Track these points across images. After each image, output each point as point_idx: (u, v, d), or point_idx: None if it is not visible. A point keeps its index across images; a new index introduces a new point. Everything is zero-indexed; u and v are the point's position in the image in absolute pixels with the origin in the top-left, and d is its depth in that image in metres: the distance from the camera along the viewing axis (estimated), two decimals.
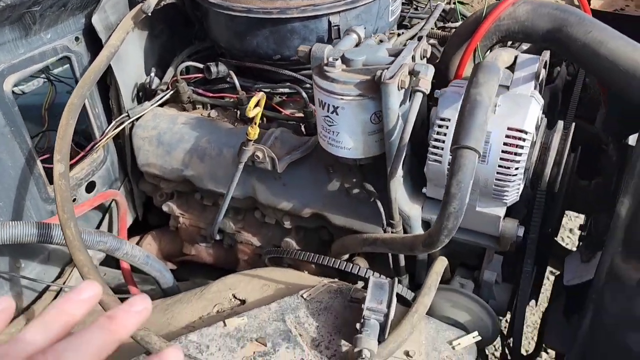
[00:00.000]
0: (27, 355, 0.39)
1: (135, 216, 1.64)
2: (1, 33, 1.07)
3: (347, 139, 1.03)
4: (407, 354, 0.95)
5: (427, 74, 0.95)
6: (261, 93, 1.07)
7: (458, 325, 1.17)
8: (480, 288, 1.21)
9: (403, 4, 1.71)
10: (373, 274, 1.01)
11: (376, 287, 0.94)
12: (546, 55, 1.00)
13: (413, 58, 0.98)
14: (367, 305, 0.92)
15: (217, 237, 1.46)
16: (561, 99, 1.55)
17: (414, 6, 1.60)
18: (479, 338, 0.99)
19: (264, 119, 1.40)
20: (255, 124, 1.11)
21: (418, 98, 0.94)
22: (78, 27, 1.24)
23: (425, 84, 0.93)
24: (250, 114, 1.05)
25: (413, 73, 0.95)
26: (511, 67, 1.02)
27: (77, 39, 1.24)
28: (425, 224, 1.17)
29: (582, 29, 1.03)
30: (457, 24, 1.48)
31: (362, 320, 0.92)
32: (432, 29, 1.37)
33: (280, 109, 1.39)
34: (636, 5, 1.53)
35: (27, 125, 1.66)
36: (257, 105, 1.06)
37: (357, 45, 1.07)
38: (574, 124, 1.17)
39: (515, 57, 1.00)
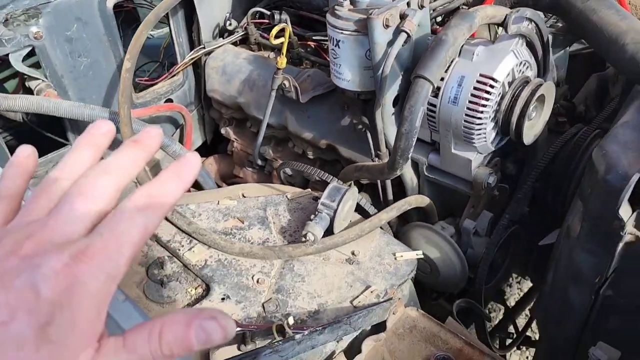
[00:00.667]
0: (64, 189, 0.41)
1: (205, 140, 1.94)
2: None
3: (347, 72, 1.20)
4: (352, 252, 1.11)
5: (414, 17, 1.09)
6: (283, 24, 1.27)
7: (428, 260, 1.29)
8: (460, 235, 1.31)
9: None
10: (335, 180, 1.17)
11: (334, 189, 1.11)
12: (526, 12, 1.08)
13: (409, 4, 1.12)
14: (322, 200, 1.09)
15: (259, 162, 1.70)
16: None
17: None
18: (421, 256, 1.11)
19: (315, 65, 1.61)
20: (283, 54, 1.33)
21: (401, 37, 1.08)
22: None
23: (410, 26, 1.07)
24: (273, 42, 1.26)
25: (402, 16, 1.09)
26: (502, 25, 1.11)
27: None
28: (414, 163, 1.30)
29: None
30: None
31: (316, 212, 1.10)
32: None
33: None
34: None
35: (149, 58, 2.07)
36: (281, 36, 1.26)
37: None
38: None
39: (506, 16, 1.09)
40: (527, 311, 1.99)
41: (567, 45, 1.40)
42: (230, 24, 1.71)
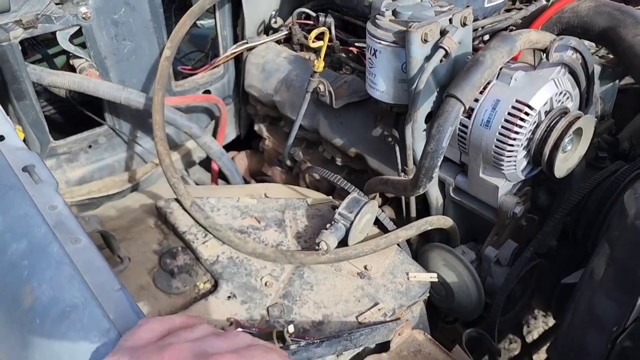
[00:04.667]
0: None
1: (239, 134, 1.95)
2: None
3: (381, 82, 1.18)
4: (365, 267, 1.09)
5: (455, 35, 1.06)
6: (323, 28, 1.26)
7: (444, 283, 1.26)
8: (480, 262, 1.27)
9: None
10: (356, 191, 1.15)
11: (353, 200, 1.09)
12: (570, 40, 1.03)
13: (451, 21, 1.09)
14: (339, 210, 1.08)
15: (288, 163, 1.69)
16: None
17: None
18: (435, 279, 1.08)
19: (354, 72, 1.59)
20: (321, 57, 1.32)
21: (439, 53, 1.05)
22: None
23: (449, 43, 1.05)
24: (311, 45, 1.25)
25: (443, 32, 1.07)
26: (545, 51, 1.07)
27: None
28: (441, 183, 1.26)
29: (632, 31, 1.05)
30: None
31: (332, 222, 1.08)
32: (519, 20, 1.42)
33: None
34: None
35: (197, 47, 2.09)
36: (320, 39, 1.25)
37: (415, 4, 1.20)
38: None
39: (551, 42, 1.05)
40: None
41: (616, 78, 1.34)
42: (275, 22, 1.71)
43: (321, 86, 1.38)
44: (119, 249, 1.08)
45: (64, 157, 1.57)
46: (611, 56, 1.35)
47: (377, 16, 1.16)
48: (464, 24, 1.11)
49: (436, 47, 1.07)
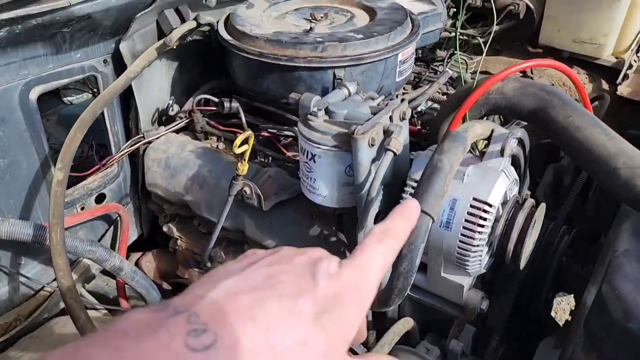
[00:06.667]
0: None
1: (141, 233, 1.73)
2: (33, 48, 1.19)
3: (323, 187, 1.07)
4: None
5: (400, 135, 0.98)
6: (249, 132, 1.13)
7: None
8: (447, 357, 1.20)
9: (421, 65, 1.76)
10: None
11: None
12: (518, 132, 1.02)
13: (391, 118, 1.02)
14: None
15: (209, 265, 1.51)
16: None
17: (432, 70, 1.65)
18: None
19: (269, 158, 1.47)
20: (245, 160, 1.18)
21: (388, 157, 0.97)
22: (107, 50, 1.35)
23: (396, 145, 0.97)
24: (237, 151, 1.11)
25: (387, 132, 0.99)
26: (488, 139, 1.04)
27: (105, 61, 1.36)
28: None
29: (562, 112, 1.05)
30: None
31: None
32: (437, 92, 1.41)
33: (285, 151, 1.46)
34: None
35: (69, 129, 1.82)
36: (245, 143, 1.12)
37: (345, 99, 1.12)
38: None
39: (492, 131, 1.02)
40: None
41: None
42: (172, 110, 1.54)
43: (247, 189, 1.23)
44: None
45: None
46: None
47: (309, 116, 1.05)
48: (403, 119, 1.04)
49: (382, 148, 0.98)
